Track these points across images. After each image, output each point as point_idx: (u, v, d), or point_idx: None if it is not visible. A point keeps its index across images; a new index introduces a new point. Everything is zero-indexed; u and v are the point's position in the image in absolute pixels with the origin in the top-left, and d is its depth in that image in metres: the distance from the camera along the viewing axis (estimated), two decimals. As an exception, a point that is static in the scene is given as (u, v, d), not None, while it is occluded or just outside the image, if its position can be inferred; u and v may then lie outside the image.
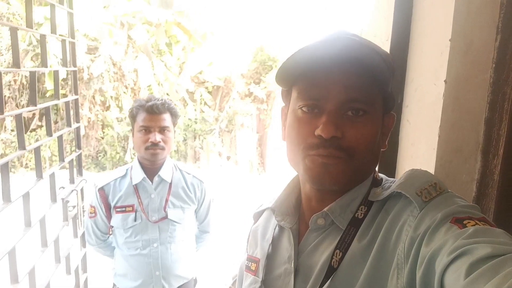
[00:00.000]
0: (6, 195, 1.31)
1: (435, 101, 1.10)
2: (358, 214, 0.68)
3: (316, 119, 0.67)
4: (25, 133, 8.28)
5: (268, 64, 9.32)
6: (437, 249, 0.52)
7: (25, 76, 7.94)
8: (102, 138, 9.29)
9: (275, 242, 0.79)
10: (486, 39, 1.03)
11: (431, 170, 1.11)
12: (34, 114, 8.55)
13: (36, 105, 1.49)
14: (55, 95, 1.78)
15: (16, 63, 1.32)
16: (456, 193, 0.64)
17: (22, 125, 1.40)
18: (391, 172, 1.32)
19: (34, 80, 1.50)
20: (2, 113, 1.24)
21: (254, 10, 8.89)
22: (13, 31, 1.30)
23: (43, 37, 1.58)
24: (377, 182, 0.74)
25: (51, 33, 1.72)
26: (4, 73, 7.64)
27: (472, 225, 0.53)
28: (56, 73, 1.80)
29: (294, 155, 0.71)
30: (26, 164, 8.49)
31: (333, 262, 0.65)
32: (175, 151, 9.25)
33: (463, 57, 1.04)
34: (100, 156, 9.33)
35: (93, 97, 8.74)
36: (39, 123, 8.72)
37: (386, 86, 0.69)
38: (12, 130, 8.27)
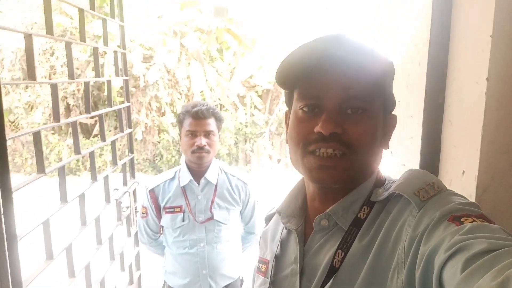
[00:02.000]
0: (63, 196, 1.43)
1: (477, 100, 1.06)
2: (360, 215, 0.69)
3: (316, 118, 0.68)
4: (88, 138, 8.85)
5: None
6: (435, 247, 0.52)
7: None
8: (159, 142, 9.69)
9: (283, 244, 0.80)
10: (531, 34, 0.98)
11: (475, 173, 1.07)
12: (96, 121, 9.11)
13: (90, 113, 1.61)
14: (108, 103, 1.90)
15: (71, 75, 1.44)
16: (455, 191, 0.64)
17: (77, 131, 1.52)
18: (434, 175, 1.28)
19: (88, 89, 1.62)
20: (59, 121, 1.36)
21: (303, 13, 8.87)
22: (68, 45, 1.43)
23: (95, 49, 1.71)
24: (380, 183, 0.74)
25: (104, 45, 1.85)
26: (68, 83, 8.24)
27: (469, 222, 0.53)
28: (108, 83, 1.93)
29: (294, 154, 0.73)
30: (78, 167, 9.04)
31: (335, 262, 0.66)
32: (226, 154, 9.44)
33: (505, 53, 0.99)
34: (156, 159, 9.73)
35: (149, 103, 9.15)
36: (112, 130, 9.26)
37: (384, 86, 0.70)
38: (83, 137, 8.87)
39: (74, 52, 7.83)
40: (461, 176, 1.15)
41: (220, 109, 9.52)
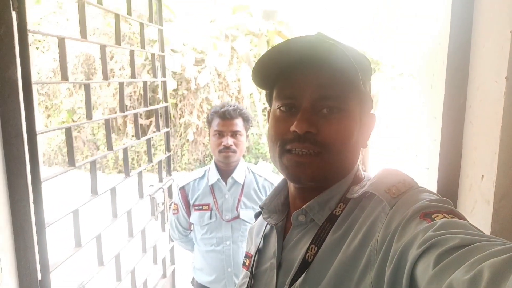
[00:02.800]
0: (94, 189, 1.53)
1: (496, 100, 1.00)
2: (336, 211, 0.70)
3: (293, 117, 0.70)
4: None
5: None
6: (408, 244, 0.53)
7: (142, 88, 8.90)
8: (209, 143, 9.93)
9: (266, 239, 0.83)
10: (555, 29, 0.91)
11: (493, 178, 1.01)
12: (151, 121, 9.53)
13: (123, 111, 1.70)
14: (144, 103, 1.99)
15: (105, 75, 1.54)
16: (426, 188, 0.64)
17: (110, 128, 1.61)
18: (454, 181, 1.22)
19: (122, 90, 1.72)
20: (91, 118, 1.45)
21: (350, 15, 8.70)
22: (102, 48, 1.52)
23: (131, 52, 1.80)
24: (358, 180, 0.75)
25: (141, 48, 1.94)
26: (126, 85, 8.69)
27: (440, 219, 0.53)
28: (145, 84, 2.02)
29: (273, 153, 0.74)
30: (133, 165, 9.45)
31: (308, 256, 0.67)
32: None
33: (526, 50, 0.93)
34: (206, 159, 9.98)
35: (200, 105, 9.40)
36: (155, 130, 9.66)
37: (360, 86, 0.69)
38: (132, 136, 9.33)
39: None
40: (481, 180, 1.08)
41: (248, 112, 9.56)
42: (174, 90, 8.65)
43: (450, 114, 1.18)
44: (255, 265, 0.81)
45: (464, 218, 0.55)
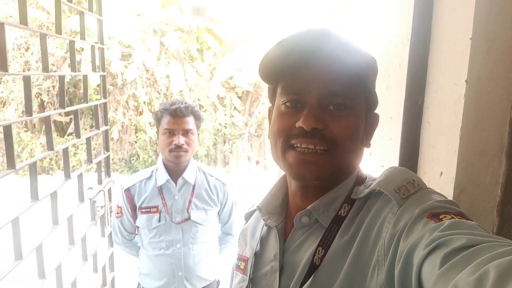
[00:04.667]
0: (34, 194, 1.37)
1: (456, 102, 1.07)
2: (341, 212, 0.69)
3: (299, 113, 0.68)
4: (62, 137, 8.63)
5: (298, 69, 9.28)
6: (414, 243, 0.53)
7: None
8: (135, 142, 9.54)
9: (263, 241, 0.80)
10: (509, 37, 0.99)
11: (452, 174, 1.08)
12: (71, 119, 8.90)
13: (64, 108, 1.55)
14: (84, 99, 1.85)
15: (45, 68, 1.39)
16: (435, 190, 0.64)
17: (51, 126, 1.46)
18: (412, 176, 1.29)
19: (63, 84, 1.57)
20: (31, 115, 1.30)
21: (282, 15, 8.91)
22: (43, 38, 1.37)
23: (72, 43, 1.65)
24: (361, 180, 0.74)
25: (81, 39, 1.79)
26: (43, 78, 7.99)
27: (448, 219, 0.53)
28: (85, 78, 1.87)
29: (275, 149, 0.72)
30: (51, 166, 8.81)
31: (315, 259, 0.66)
32: (205, 155, 9.38)
33: (484, 56, 1.00)
34: (133, 159, 9.58)
35: (127, 102, 9.00)
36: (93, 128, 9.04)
37: (367, 84, 0.70)
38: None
39: (50, 48, 7.63)
40: (439, 177, 1.15)
41: (200, 110, 9.45)
42: (98, 85, 8.16)
43: (409, 114, 1.25)
44: (252, 269, 0.78)
45: (472, 220, 0.55)
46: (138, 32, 8.21)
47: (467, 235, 0.48)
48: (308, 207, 0.71)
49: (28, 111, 1.33)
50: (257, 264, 0.78)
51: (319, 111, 0.67)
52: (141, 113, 9.32)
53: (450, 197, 1.09)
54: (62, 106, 1.58)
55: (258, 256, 0.79)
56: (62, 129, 9.09)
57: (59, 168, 8.57)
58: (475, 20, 1.00)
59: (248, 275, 0.78)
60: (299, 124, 0.66)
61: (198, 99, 9.24)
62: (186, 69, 9.03)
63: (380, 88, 1.48)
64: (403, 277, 0.54)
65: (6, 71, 1.15)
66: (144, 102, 9.10)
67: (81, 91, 7.92)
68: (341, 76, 0.67)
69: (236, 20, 9.17)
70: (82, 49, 7.57)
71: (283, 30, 8.36)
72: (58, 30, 1.50)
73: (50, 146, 1.47)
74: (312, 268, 0.66)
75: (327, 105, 0.68)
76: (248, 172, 9.32)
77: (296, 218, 0.73)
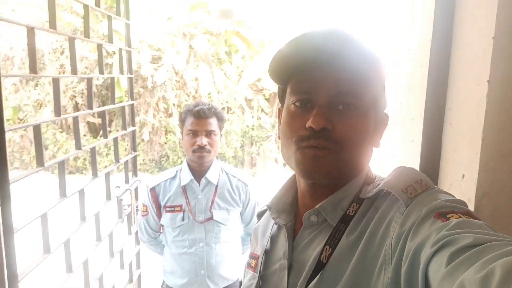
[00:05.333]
0: (63, 191, 1.43)
1: (478, 103, 1.04)
2: (349, 211, 0.69)
3: (308, 113, 0.68)
4: (95, 137, 8.91)
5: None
6: (422, 242, 0.53)
7: (96, 85, 8.57)
8: (165, 143, 9.72)
9: (273, 239, 0.81)
10: (534, 36, 0.96)
11: (475, 176, 1.05)
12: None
13: (92, 108, 1.61)
14: (112, 100, 1.91)
15: (73, 70, 1.45)
16: (443, 189, 0.64)
17: (79, 127, 1.52)
18: (433, 180, 1.26)
19: (90, 86, 1.63)
20: (59, 115, 1.36)
21: (311, 16, 8.87)
22: (71, 41, 1.43)
23: (99, 46, 1.72)
24: (370, 180, 0.74)
25: (108, 42, 1.86)
26: (77, 81, 8.28)
27: (455, 218, 0.53)
28: (112, 80, 1.93)
29: (287, 149, 0.73)
30: (85, 166, 9.08)
31: (322, 257, 0.66)
32: (232, 157, 9.44)
33: (507, 55, 0.98)
34: (163, 160, 9.77)
35: (157, 104, 9.19)
36: (109, 128, 9.31)
37: (376, 83, 0.70)
38: (84, 135, 8.93)
39: (83, 52, 7.90)
40: (461, 180, 1.13)
41: (227, 112, 9.53)
42: (129, 88, 8.38)
43: (430, 116, 1.23)
44: (262, 266, 0.79)
45: (480, 219, 0.54)
46: (167, 36, 8.38)
47: (474, 233, 0.48)
48: (317, 206, 0.72)
49: (57, 111, 1.39)
50: (267, 261, 0.79)
51: (328, 111, 0.67)
52: (170, 115, 9.49)
53: (472, 201, 1.07)
54: (90, 107, 1.64)
55: (268, 254, 0.80)
56: (95, 130, 9.39)
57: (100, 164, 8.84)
58: (497, 18, 0.98)
59: (258, 272, 0.79)
60: (308, 124, 0.66)
61: (226, 101, 9.32)
62: (215, 71, 9.13)
63: (402, 89, 1.46)
64: (410, 276, 0.54)
65: (36, 73, 1.21)
66: (174, 104, 9.27)
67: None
68: (350, 75, 0.67)
69: (264, 22, 9.21)
70: (114, 53, 7.79)
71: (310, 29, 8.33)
72: (87, 34, 1.56)
73: (78, 145, 1.54)
74: (319, 266, 0.66)
75: (336, 104, 0.68)
76: (275, 174, 9.32)
77: (305, 217, 0.74)
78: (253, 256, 0.84)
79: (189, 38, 8.77)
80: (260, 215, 0.93)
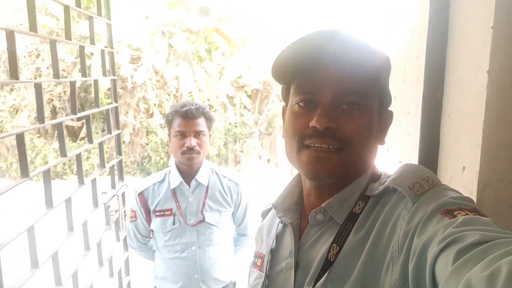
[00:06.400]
0: (49, 201, 1.36)
1: (478, 94, 1.03)
2: (355, 209, 0.69)
3: (312, 112, 0.68)
4: (74, 141, 8.71)
5: (307, 65, 9.22)
6: (428, 239, 0.53)
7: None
8: (147, 144, 9.58)
9: (279, 238, 0.81)
10: (533, 25, 0.95)
11: (476, 168, 1.04)
12: (83, 124, 8.97)
13: (76, 113, 1.54)
14: (95, 103, 1.84)
15: (56, 74, 1.38)
16: (450, 186, 0.64)
17: (63, 133, 1.45)
18: (433, 171, 1.24)
19: (74, 89, 1.56)
20: (43, 122, 1.29)
21: (292, 12, 8.86)
22: (53, 44, 1.36)
23: (81, 48, 1.64)
24: (376, 177, 0.74)
25: (90, 43, 1.78)
26: (54, 85, 8.06)
27: (462, 216, 0.53)
28: (95, 83, 1.86)
29: (290, 149, 0.73)
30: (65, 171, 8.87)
31: (330, 255, 0.66)
32: (216, 155, 9.37)
33: (507, 45, 0.96)
34: (145, 161, 9.62)
35: (137, 105, 9.04)
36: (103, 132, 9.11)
37: (380, 81, 0.70)
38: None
39: (60, 53, 7.69)
40: (461, 172, 1.11)
41: (210, 110, 9.45)
42: (109, 89, 8.20)
43: (427, 108, 1.21)
44: (268, 265, 0.79)
45: (487, 216, 0.54)
46: (146, 35, 8.23)
47: (480, 231, 0.48)
48: (323, 205, 0.72)
49: (41, 118, 1.32)
50: (273, 260, 0.79)
51: (332, 110, 0.68)
52: (151, 115, 9.35)
53: (474, 193, 1.06)
54: (73, 112, 1.57)
55: (274, 253, 0.80)
56: (74, 134, 9.17)
57: (72, 173, 8.65)
58: (496, 7, 0.96)
59: (264, 271, 0.79)
60: (312, 123, 0.67)
61: (208, 99, 9.24)
62: (195, 69, 9.03)
63: (396, 82, 1.44)
64: (417, 273, 0.54)
65: (17, 79, 1.14)
66: (155, 104, 9.13)
67: (92, 95, 7.99)
68: (354, 75, 0.67)
69: (244, 19, 9.15)
70: (92, 54, 7.61)
71: (292, 27, 8.32)
72: (68, 36, 1.49)
73: (63, 152, 1.46)
74: (327, 264, 0.66)
75: (340, 104, 0.68)
76: (259, 171, 9.30)
77: (311, 215, 0.74)
78: (258, 255, 0.84)
79: (169, 36, 8.64)
80: (264, 214, 0.93)
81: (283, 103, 0.82)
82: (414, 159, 1.26)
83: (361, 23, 1.47)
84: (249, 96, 9.81)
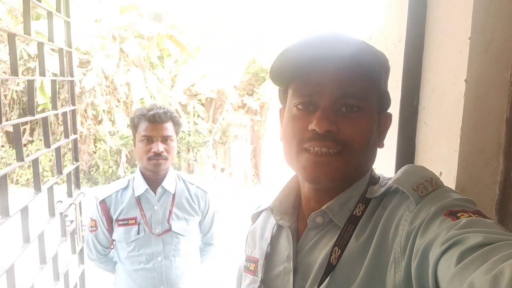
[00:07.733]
0: (5, 210, 1.24)
1: (455, 101, 1.07)
2: (356, 212, 0.69)
3: (311, 115, 0.68)
4: (14, 148, 8.13)
5: (261, 75, 9.33)
6: (431, 240, 0.53)
7: (16, 91, 7.85)
8: (94, 152, 9.17)
9: (274, 242, 0.79)
10: (507, 37, 1.00)
11: (453, 173, 1.08)
12: (24, 129, 8.42)
13: (34, 115, 1.43)
14: (53, 105, 1.72)
15: (14, 71, 1.27)
16: (452, 188, 0.65)
17: (20, 136, 1.33)
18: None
19: (32, 89, 1.44)
20: (0, 122, 1.18)
21: (246, 21, 8.93)
22: (11, 38, 1.25)
23: (40, 45, 1.53)
24: (375, 180, 0.75)
25: (49, 41, 1.66)
26: (12, 82, 7.51)
27: (465, 217, 0.53)
28: (53, 83, 1.74)
29: (289, 152, 0.72)
30: (17, 180, 8.31)
31: (332, 259, 0.66)
32: (168, 164, 9.15)
33: (483, 55, 1.01)
34: (92, 170, 9.20)
35: (85, 111, 8.65)
36: (30, 138, 8.58)
37: (380, 84, 0.71)
38: (2, 146, 8.12)
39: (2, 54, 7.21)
40: (439, 177, 1.15)
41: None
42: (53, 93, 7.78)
43: (404, 115, 1.24)
44: (264, 270, 0.76)
45: (490, 219, 0.55)
46: (96, 38, 7.92)
47: (484, 233, 0.48)
48: (323, 207, 0.71)
49: (-3, 118, 1.20)
50: (268, 265, 0.77)
51: (332, 113, 0.67)
52: (100, 122, 8.98)
53: (451, 197, 1.09)
54: (31, 113, 1.45)
55: (269, 257, 0.78)
56: (13, 141, 8.58)
57: (11, 182, 8.06)
58: (473, 19, 1.01)
59: (260, 276, 0.77)
60: (312, 127, 0.66)
61: (160, 107, 9.02)
62: (147, 76, 8.80)
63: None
64: (419, 274, 0.54)
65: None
66: (104, 111, 8.78)
67: (36, 99, 7.52)
68: (354, 77, 0.67)
69: (199, 26, 9.08)
70: (35, 55, 7.19)
71: (250, 34, 8.38)
72: (27, 31, 1.38)
73: (20, 157, 1.34)
74: (329, 268, 0.65)
75: (339, 106, 0.68)
76: (213, 180, 9.19)
77: (310, 218, 0.73)
78: (251, 260, 0.82)
79: (120, 41, 8.37)
80: (255, 217, 0.91)
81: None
82: (391, 165, 1.29)
83: (332, 29, 1.49)
84: (202, 105, 9.72)
